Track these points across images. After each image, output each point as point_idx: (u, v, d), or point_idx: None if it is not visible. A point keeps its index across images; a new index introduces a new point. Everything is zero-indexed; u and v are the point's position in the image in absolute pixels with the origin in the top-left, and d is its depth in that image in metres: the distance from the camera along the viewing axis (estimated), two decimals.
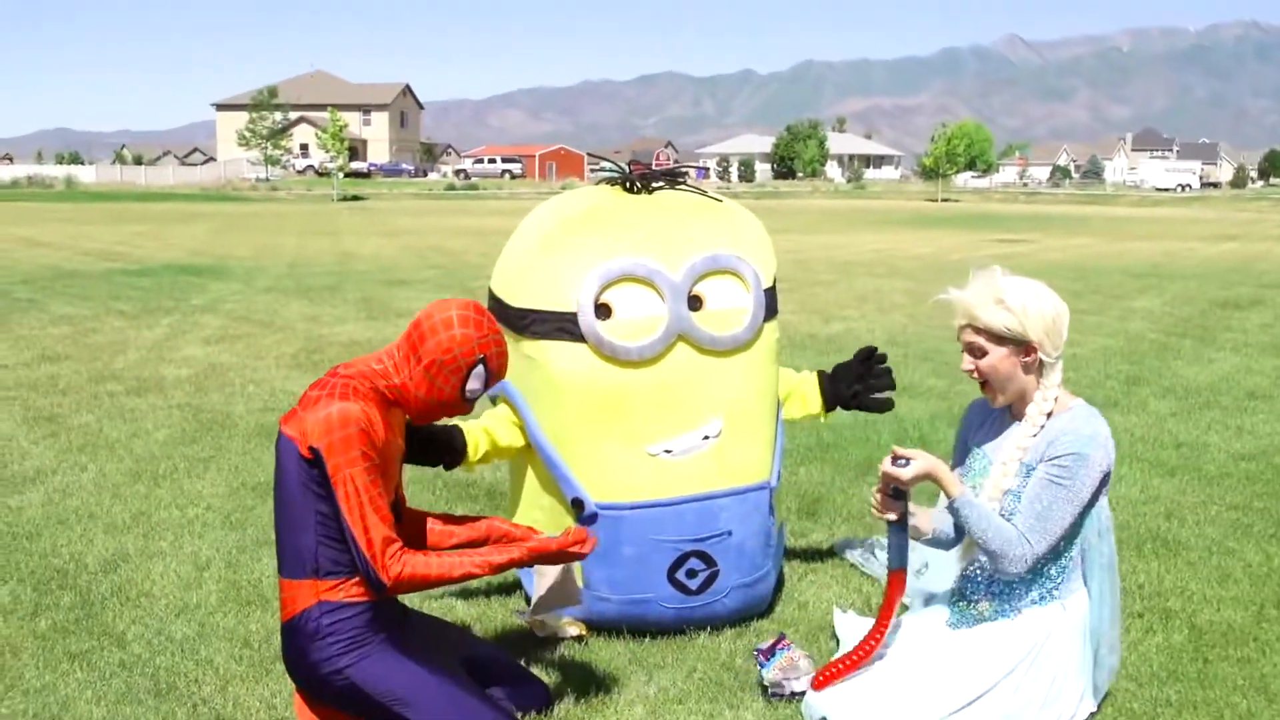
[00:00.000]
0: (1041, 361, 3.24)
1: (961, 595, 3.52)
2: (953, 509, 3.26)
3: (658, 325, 3.85)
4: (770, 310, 4.12)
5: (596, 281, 3.84)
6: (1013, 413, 3.39)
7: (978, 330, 3.26)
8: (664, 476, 3.93)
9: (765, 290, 4.07)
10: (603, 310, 3.84)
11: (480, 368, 3.03)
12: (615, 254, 3.88)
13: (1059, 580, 3.33)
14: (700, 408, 3.94)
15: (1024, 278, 3.29)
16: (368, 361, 3.07)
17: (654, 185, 4.24)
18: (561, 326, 3.85)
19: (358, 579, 2.98)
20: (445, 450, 3.91)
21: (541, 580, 3.53)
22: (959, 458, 3.60)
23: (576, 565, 3.65)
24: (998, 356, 3.25)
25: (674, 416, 3.92)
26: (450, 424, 3.90)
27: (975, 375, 3.33)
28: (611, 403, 3.88)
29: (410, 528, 3.32)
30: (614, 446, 3.90)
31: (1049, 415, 3.27)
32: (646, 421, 3.90)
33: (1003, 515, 3.28)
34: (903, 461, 3.25)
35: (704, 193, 4.30)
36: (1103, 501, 3.29)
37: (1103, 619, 3.34)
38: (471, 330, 3.00)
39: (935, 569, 4.32)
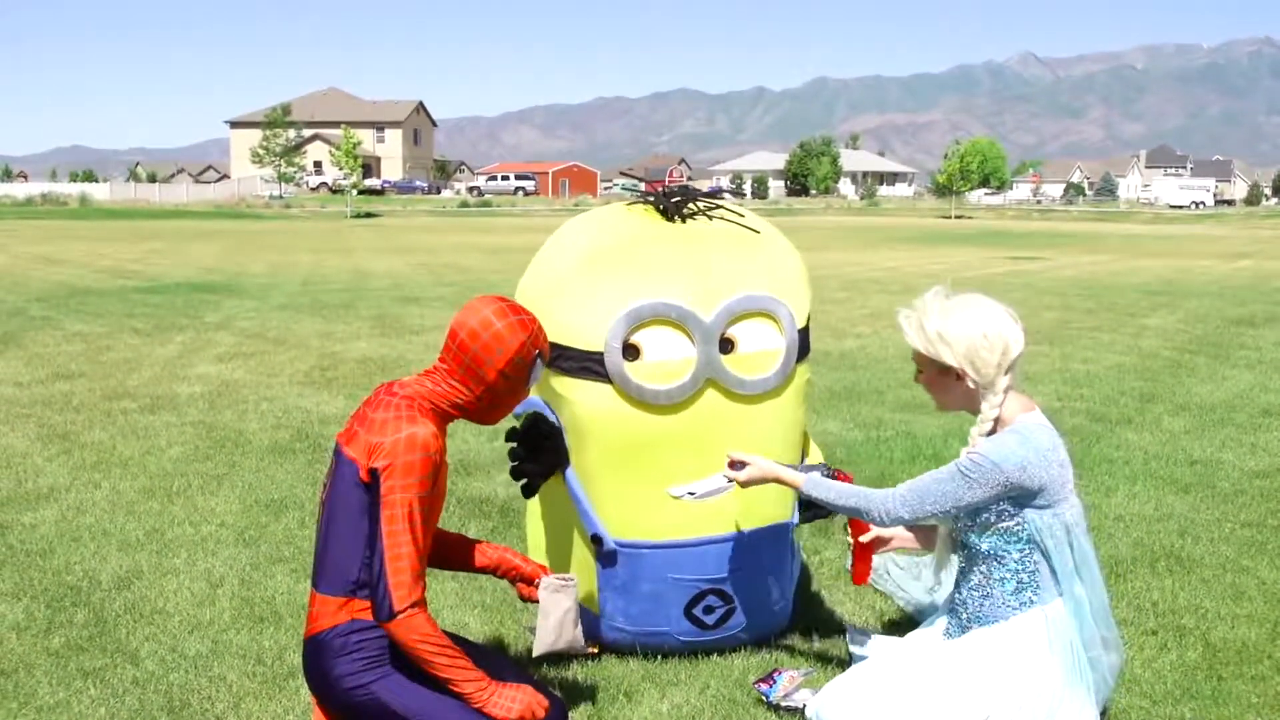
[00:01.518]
0: (972, 385, 3.25)
1: (952, 601, 3.55)
2: (806, 500, 3.48)
3: (686, 369, 3.73)
4: (803, 351, 4.01)
5: (625, 323, 3.70)
6: None
7: (913, 350, 3.35)
8: (685, 517, 3.83)
9: (799, 331, 3.95)
10: (631, 351, 3.72)
11: (538, 360, 3.12)
12: (646, 293, 3.73)
13: (1033, 586, 3.31)
14: (726, 451, 3.75)
15: (973, 297, 3.29)
16: (421, 381, 3.06)
17: (688, 210, 4.10)
18: (587, 366, 3.75)
19: None
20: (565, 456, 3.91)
21: (544, 623, 3.51)
22: None
23: (575, 612, 3.55)
24: (929, 373, 3.35)
25: (699, 460, 3.77)
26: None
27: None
28: (635, 445, 3.79)
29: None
30: (636, 487, 3.81)
31: (992, 435, 3.28)
32: (670, 465, 3.78)
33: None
34: (738, 466, 3.55)
35: (741, 216, 4.16)
36: (1057, 512, 3.24)
37: (1084, 621, 3.33)
38: (521, 333, 3.05)
39: (946, 587, 4.32)
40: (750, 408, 3.83)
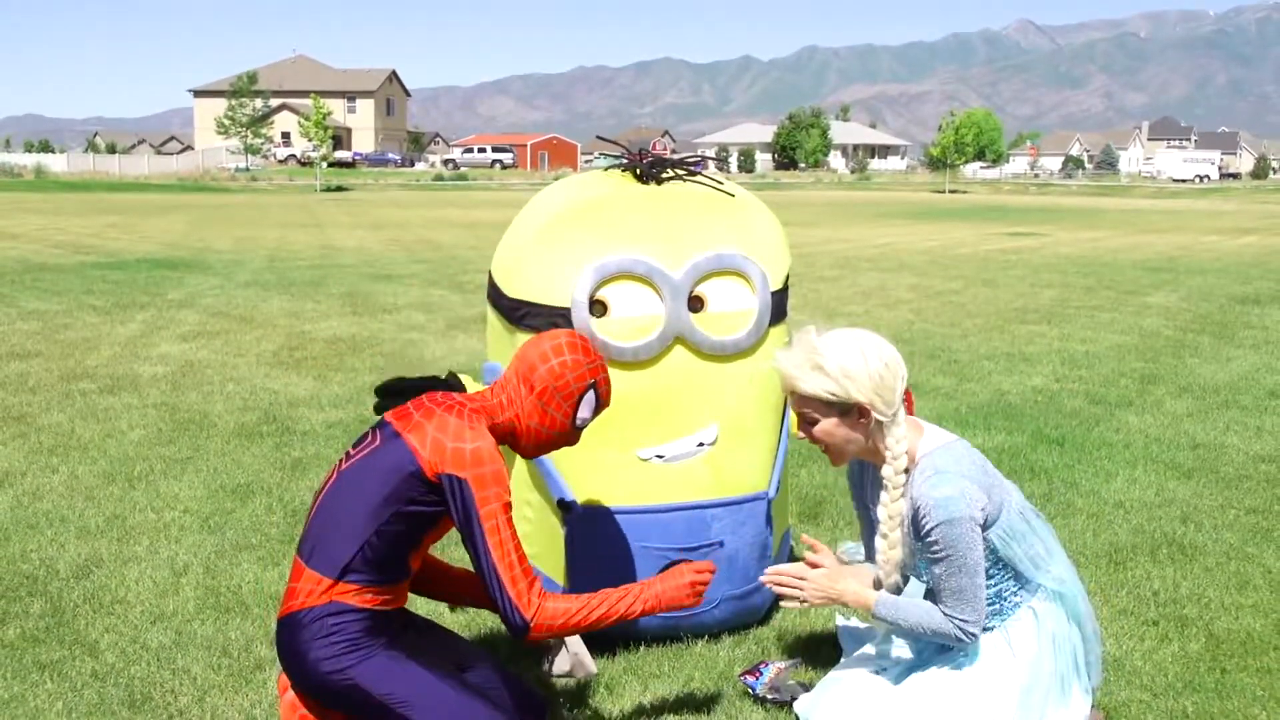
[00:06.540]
0: (879, 421, 3.10)
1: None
2: (877, 619, 3.23)
3: (654, 326, 3.73)
4: (778, 314, 3.99)
5: (592, 277, 3.71)
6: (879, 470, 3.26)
7: (803, 399, 3.14)
8: (654, 482, 3.82)
9: (774, 293, 3.93)
10: (597, 307, 3.73)
11: (591, 394, 3.12)
12: (614, 248, 3.76)
13: (1018, 588, 3.25)
14: (696, 413, 3.82)
15: (847, 330, 3.15)
16: (484, 394, 3.11)
17: (665, 175, 4.10)
18: (554, 322, 3.73)
19: (376, 587, 2.95)
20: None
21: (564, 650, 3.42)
22: (860, 514, 3.54)
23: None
24: (830, 423, 3.14)
25: (668, 421, 3.80)
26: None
27: (812, 441, 3.23)
28: None
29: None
30: (603, 449, 3.80)
31: (906, 472, 3.14)
32: (638, 425, 3.77)
33: (909, 578, 3.22)
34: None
35: (719, 184, 4.17)
36: (1008, 511, 3.14)
37: (1071, 605, 3.28)
38: (580, 355, 3.10)
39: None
40: (721, 367, 3.85)
